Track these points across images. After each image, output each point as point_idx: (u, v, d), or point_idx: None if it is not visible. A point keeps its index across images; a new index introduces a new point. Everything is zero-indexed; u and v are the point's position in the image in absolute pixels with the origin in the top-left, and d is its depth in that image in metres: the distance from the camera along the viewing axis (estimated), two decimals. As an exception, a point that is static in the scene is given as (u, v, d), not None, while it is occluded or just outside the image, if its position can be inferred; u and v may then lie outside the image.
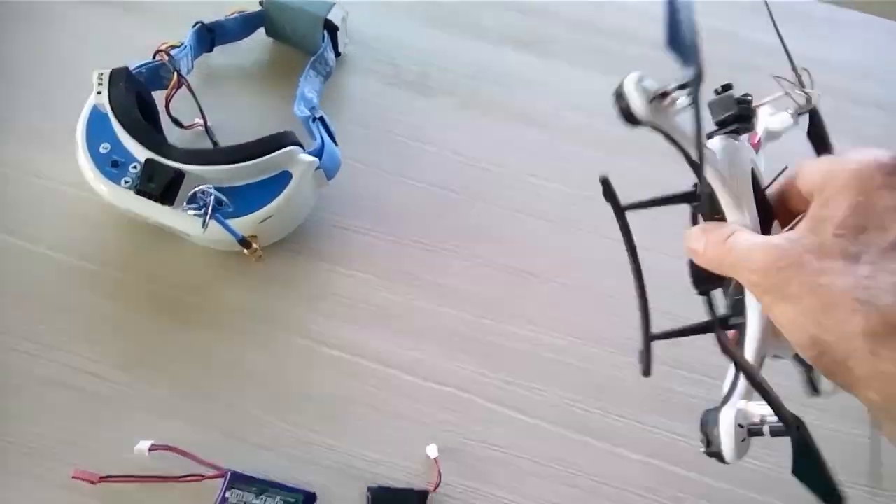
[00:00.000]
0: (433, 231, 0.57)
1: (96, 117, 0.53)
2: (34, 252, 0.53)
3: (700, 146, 0.29)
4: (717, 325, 0.32)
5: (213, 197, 0.46)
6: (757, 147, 0.36)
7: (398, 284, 0.55)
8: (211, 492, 0.44)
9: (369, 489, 0.46)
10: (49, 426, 0.47)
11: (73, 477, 0.43)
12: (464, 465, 0.48)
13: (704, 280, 0.33)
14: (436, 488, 0.46)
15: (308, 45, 0.63)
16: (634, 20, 0.69)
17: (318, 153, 0.53)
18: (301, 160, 0.52)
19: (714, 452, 0.31)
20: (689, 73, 0.29)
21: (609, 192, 0.32)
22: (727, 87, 0.34)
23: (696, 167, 0.30)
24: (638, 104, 0.30)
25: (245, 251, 0.50)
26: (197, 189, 0.47)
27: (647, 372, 0.34)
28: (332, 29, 0.63)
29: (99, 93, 0.52)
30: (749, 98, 0.34)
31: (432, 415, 0.49)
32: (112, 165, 0.51)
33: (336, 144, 0.56)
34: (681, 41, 0.30)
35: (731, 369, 0.33)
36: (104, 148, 0.52)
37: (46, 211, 0.55)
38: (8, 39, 0.64)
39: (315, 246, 0.56)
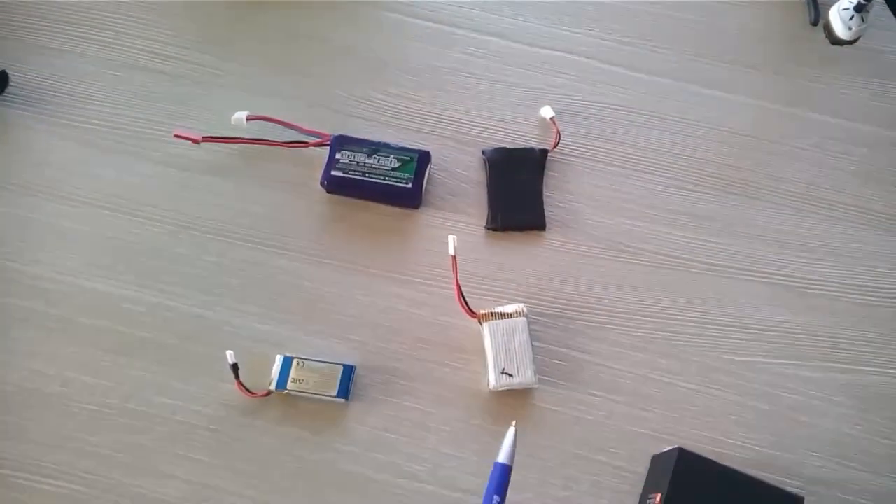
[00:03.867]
0: None
1: None
2: None
3: None
4: None
5: None
6: None
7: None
8: (318, 158, 0.42)
9: (483, 151, 0.43)
10: (135, 109, 0.43)
11: (175, 136, 0.40)
12: (580, 126, 0.44)
13: None
14: (555, 146, 0.43)
15: None
16: None
17: None
18: None
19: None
20: None
21: None
22: None
23: None
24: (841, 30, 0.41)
25: None
26: None
27: None
28: None
29: None
30: None
31: (543, 79, 0.45)
32: None
33: None
34: None
35: None
36: None
37: None
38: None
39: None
